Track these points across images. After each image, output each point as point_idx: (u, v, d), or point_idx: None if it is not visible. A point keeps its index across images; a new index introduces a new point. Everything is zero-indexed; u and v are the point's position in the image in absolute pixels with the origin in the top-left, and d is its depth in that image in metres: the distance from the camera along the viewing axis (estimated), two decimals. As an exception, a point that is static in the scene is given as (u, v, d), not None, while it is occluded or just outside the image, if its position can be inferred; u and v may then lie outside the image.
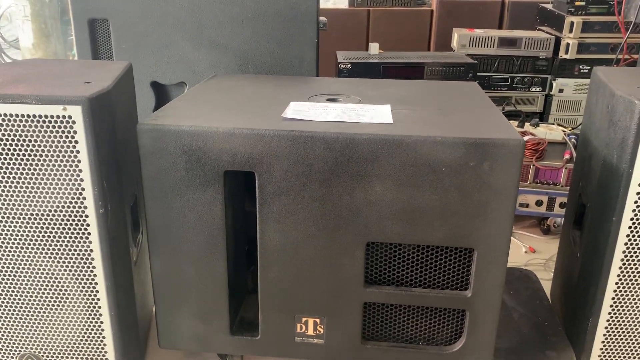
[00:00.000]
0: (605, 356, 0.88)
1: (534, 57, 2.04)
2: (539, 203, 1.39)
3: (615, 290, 0.84)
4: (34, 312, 0.83)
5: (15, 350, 0.86)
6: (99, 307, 0.83)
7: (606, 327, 0.86)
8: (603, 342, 0.87)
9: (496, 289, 0.80)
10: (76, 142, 0.74)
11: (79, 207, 0.77)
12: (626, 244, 0.81)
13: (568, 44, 1.99)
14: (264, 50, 1.28)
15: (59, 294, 0.82)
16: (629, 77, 0.89)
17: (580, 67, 2.03)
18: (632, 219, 0.80)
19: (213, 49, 1.28)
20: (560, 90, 2.06)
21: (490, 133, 0.74)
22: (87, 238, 0.79)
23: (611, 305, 0.85)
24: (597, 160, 0.89)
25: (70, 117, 0.72)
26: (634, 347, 0.87)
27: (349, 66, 1.49)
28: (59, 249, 0.79)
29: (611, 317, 0.86)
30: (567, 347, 0.91)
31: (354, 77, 1.53)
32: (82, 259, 0.80)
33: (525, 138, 1.42)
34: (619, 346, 0.87)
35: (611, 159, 0.83)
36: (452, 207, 0.76)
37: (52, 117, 0.72)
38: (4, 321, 0.84)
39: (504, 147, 0.72)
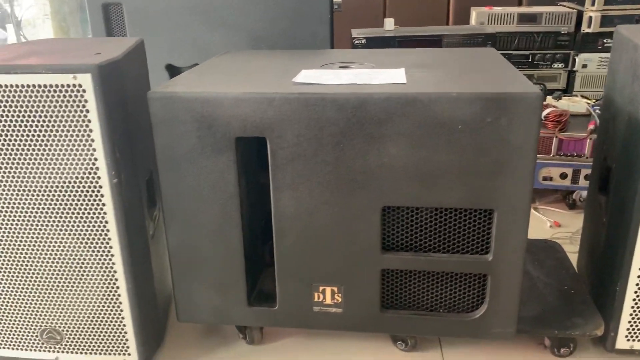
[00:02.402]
0: (635, 320, 0.85)
1: (555, 33, 1.99)
2: (563, 176, 1.35)
3: (644, 252, 0.81)
4: (53, 286, 0.84)
5: (37, 325, 0.87)
6: (116, 279, 0.82)
7: (636, 292, 0.83)
8: (633, 307, 0.84)
9: (518, 252, 0.77)
10: (87, 110, 0.73)
11: (93, 177, 0.77)
12: (654, 202, 0.78)
13: (591, 17, 1.94)
14: (276, 29, 1.27)
15: (76, 267, 0.82)
16: (653, 31, 0.86)
17: (605, 41, 1.97)
18: (660, 175, 0.77)
19: (225, 30, 1.28)
20: (584, 66, 2.00)
21: (506, 88, 0.71)
22: (101, 209, 0.78)
23: (640, 268, 0.82)
24: (621, 118, 0.85)
25: (80, 85, 0.72)
26: (666, 311, 0.84)
27: (363, 41, 1.47)
28: (74, 221, 0.79)
29: (641, 280, 0.82)
30: (595, 314, 0.88)
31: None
32: (97, 230, 0.80)
33: (547, 110, 1.39)
34: (650, 311, 0.84)
35: (636, 115, 0.79)
36: (470, 167, 0.74)
37: (62, 86, 0.72)
38: (24, 296, 0.85)
39: (521, 100, 0.70)
